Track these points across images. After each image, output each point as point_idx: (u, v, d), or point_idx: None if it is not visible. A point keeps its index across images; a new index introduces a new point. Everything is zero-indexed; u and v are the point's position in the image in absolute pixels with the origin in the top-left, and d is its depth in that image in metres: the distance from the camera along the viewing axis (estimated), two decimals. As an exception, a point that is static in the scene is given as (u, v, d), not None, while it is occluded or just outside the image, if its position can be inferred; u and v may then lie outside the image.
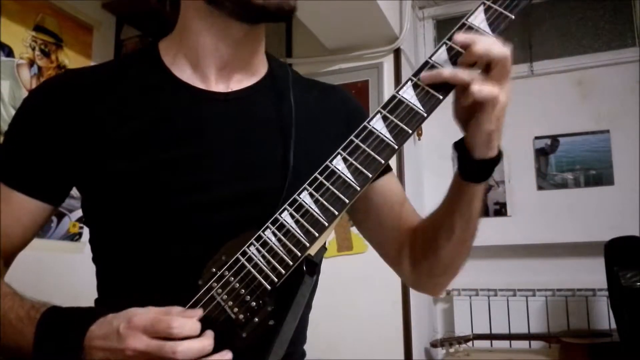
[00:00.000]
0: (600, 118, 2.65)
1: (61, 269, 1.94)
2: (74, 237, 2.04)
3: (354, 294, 2.37)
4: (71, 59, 2.10)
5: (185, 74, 0.80)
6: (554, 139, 2.73)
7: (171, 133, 0.75)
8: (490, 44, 0.65)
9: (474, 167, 0.71)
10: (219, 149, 0.75)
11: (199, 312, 0.63)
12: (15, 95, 1.87)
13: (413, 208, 0.90)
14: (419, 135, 2.67)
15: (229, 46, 0.79)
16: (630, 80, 2.61)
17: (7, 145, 0.79)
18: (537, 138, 2.76)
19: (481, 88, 0.64)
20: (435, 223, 0.81)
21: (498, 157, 0.71)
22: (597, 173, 2.64)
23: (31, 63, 1.95)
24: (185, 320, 0.60)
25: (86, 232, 2.14)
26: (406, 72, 2.69)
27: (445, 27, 3.01)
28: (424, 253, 0.83)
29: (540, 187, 2.73)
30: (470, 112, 0.68)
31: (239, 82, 0.81)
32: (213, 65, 0.79)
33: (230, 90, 0.80)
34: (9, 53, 1.88)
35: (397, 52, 2.57)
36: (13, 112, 1.83)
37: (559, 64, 2.78)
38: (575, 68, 2.74)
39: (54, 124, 0.76)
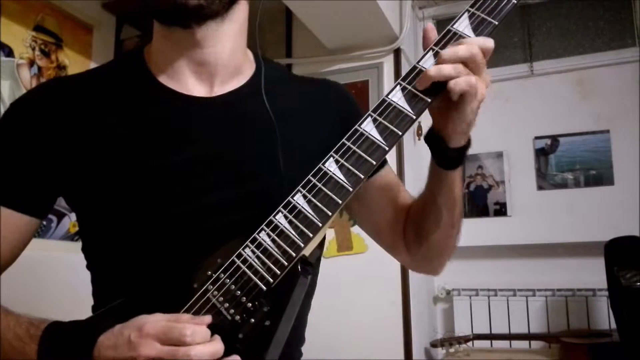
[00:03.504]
0: (600, 118, 2.65)
1: (61, 269, 1.94)
2: (74, 237, 2.04)
3: (354, 294, 2.37)
4: (71, 59, 2.10)
5: (168, 79, 0.78)
6: (554, 139, 2.73)
7: (158, 141, 0.74)
8: (455, 48, 0.68)
9: (451, 156, 0.74)
10: (207, 156, 0.75)
11: (207, 318, 0.63)
12: (15, 95, 1.87)
13: (407, 194, 0.91)
14: (419, 135, 2.67)
15: (175, 51, 0.78)
16: (630, 80, 2.61)
17: None
18: (537, 138, 2.76)
19: (456, 81, 0.67)
20: (422, 211, 0.83)
21: (469, 142, 0.75)
22: (597, 173, 2.64)
23: (31, 63, 1.95)
24: (197, 327, 0.60)
25: (86, 232, 2.12)
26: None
27: (445, 27, 2.99)
28: (416, 240, 0.86)
29: (540, 187, 2.73)
30: (449, 107, 0.70)
31: (223, 85, 0.80)
32: (185, 69, 0.78)
33: (214, 94, 0.79)
34: (9, 53, 1.88)
35: (397, 52, 2.57)
36: (13, 112, 1.83)
37: (559, 64, 2.78)
38: (575, 68, 2.74)
39: (38, 135, 0.74)
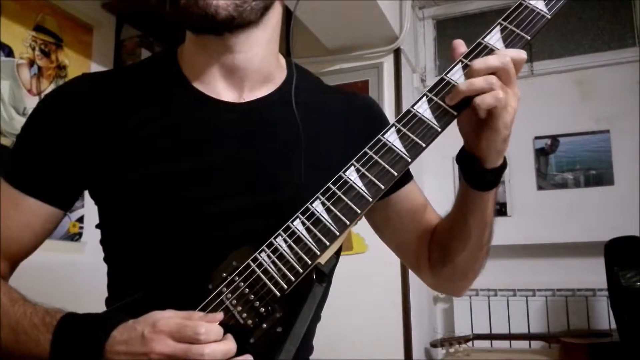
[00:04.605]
0: (600, 118, 2.65)
1: (61, 269, 1.94)
2: (74, 237, 2.04)
3: (354, 294, 2.36)
4: (71, 59, 2.10)
5: (199, 81, 0.78)
6: (554, 139, 2.73)
7: (183, 143, 0.75)
8: (486, 58, 0.67)
9: (487, 177, 0.72)
10: (230, 161, 0.75)
11: (219, 315, 0.63)
12: (15, 95, 1.87)
13: (434, 213, 0.89)
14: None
15: (206, 55, 0.77)
16: (630, 80, 2.61)
17: (18, 149, 0.79)
18: (537, 138, 2.76)
19: (483, 97, 0.65)
20: (449, 232, 0.81)
21: (505, 162, 0.73)
22: (597, 173, 2.64)
23: (31, 63, 1.95)
24: (210, 325, 0.61)
25: (86, 232, 2.15)
26: (406, 72, 2.69)
27: (445, 27, 3.01)
28: (441, 260, 0.84)
29: (540, 187, 2.73)
30: (481, 124, 0.69)
31: (252, 91, 0.79)
32: (216, 73, 0.78)
33: (243, 100, 0.78)
34: (9, 53, 1.87)
35: (397, 52, 2.57)
36: (13, 112, 1.84)
37: (559, 64, 2.78)
38: (575, 68, 2.74)
39: (66, 129, 0.75)
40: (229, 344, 0.61)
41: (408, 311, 2.36)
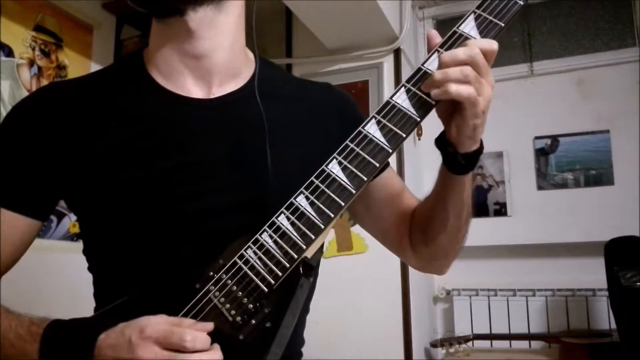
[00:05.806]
0: (600, 118, 2.65)
1: (61, 269, 1.94)
2: (74, 237, 2.04)
3: (354, 294, 2.37)
4: (71, 59, 2.10)
5: (166, 80, 0.78)
6: (554, 139, 2.73)
7: (155, 144, 0.74)
8: (454, 51, 0.67)
9: (461, 161, 0.73)
10: (210, 159, 0.75)
11: (210, 325, 0.63)
12: (15, 95, 1.87)
13: (412, 196, 0.91)
14: (419, 135, 2.67)
15: (171, 47, 0.77)
16: (630, 80, 2.61)
17: None
18: (537, 138, 2.76)
19: (458, 88, 0.66)
20: (429, 215, 0.82)
21: (481, 148, 0.74)
22: (597, 173, 2.64)
23: (31, 63, 1.95)
24: (197, 333, 0.60)
25: (86, 232, 2.12)
26: (406, 72, 2.69)
27: (445, 27, 3.01)
28: (423, 242, 0.85)
29: (540, 187, 2.73)
30: (455, 108, 0.70)
31: (221, 86, 0.79)
32: (182, 68, 0.78)
33: (212, 95, 0.78)
34: (9, 53, 1.88)
35: (397, 52, 2.57)
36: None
37: (559, 64, 2.78)
38: (575, 68, 2.74)
39: (40, 138, 0.74)
40: (215, 354, 0.61)
41: (408, 311, 2.36)
